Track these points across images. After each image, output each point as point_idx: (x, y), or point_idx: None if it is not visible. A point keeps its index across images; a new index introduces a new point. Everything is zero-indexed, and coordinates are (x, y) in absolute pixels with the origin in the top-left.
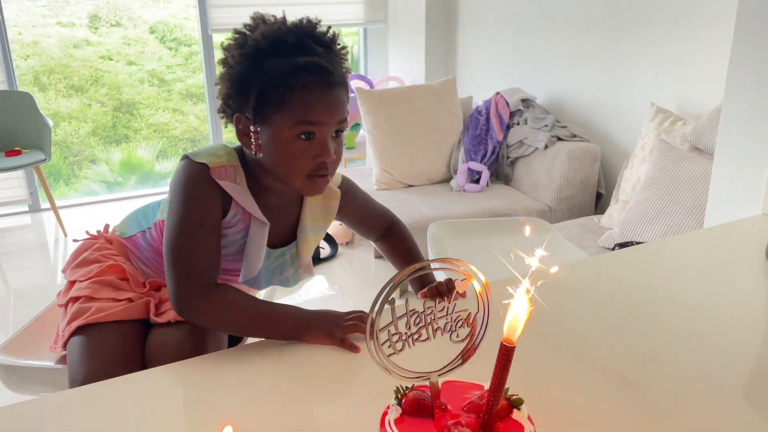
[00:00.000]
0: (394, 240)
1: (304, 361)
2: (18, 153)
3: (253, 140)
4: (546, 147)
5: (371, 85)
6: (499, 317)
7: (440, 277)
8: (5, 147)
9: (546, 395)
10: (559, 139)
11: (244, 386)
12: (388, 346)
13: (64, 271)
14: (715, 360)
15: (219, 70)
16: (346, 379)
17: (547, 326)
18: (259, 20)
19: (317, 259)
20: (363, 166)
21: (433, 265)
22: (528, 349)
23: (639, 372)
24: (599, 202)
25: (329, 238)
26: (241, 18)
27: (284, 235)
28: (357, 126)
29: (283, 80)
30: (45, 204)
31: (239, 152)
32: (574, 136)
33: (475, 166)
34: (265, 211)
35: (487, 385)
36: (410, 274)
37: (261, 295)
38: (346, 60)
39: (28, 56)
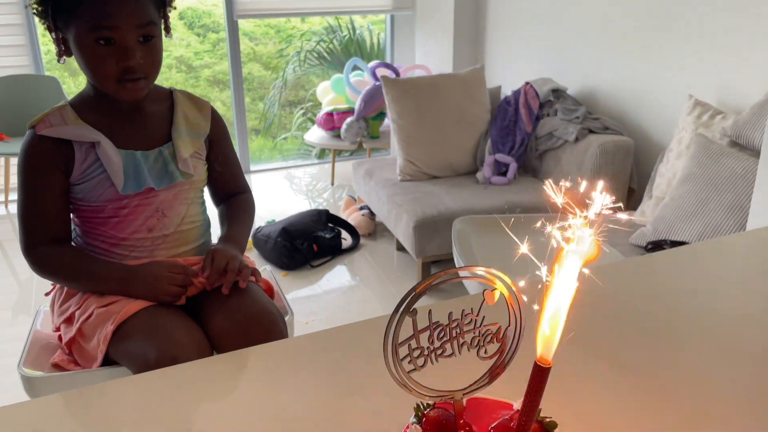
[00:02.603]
0: (240, 202)
1: (318, 372)
2: None
3: (56, 48)
4: (576, 139)
5: (397, 74)
6: (533, 330)
7: (472, 285)
8: None
9: (579, 413)
10: (591, 131)
11: (238, 396)
12: (409, 362)
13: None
14: (759, 373)
15: None
16: (362, 394)
17: (581, 335)
18: None
19: (339, 250)
20: (387, 156)
21: (462, 274)
22: (561, 360)
23: (680, 385)
24: (631, 198)
25: (351, 229)
26: (265, 4)
27: (160, 137)
28: (382, 115)
29: None
30: None
31: (81, 93)
32: (607, 128)
33: (503, 158)
34: (124, 125)
35: (516, 404)
36: (432, 283)
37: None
38: None
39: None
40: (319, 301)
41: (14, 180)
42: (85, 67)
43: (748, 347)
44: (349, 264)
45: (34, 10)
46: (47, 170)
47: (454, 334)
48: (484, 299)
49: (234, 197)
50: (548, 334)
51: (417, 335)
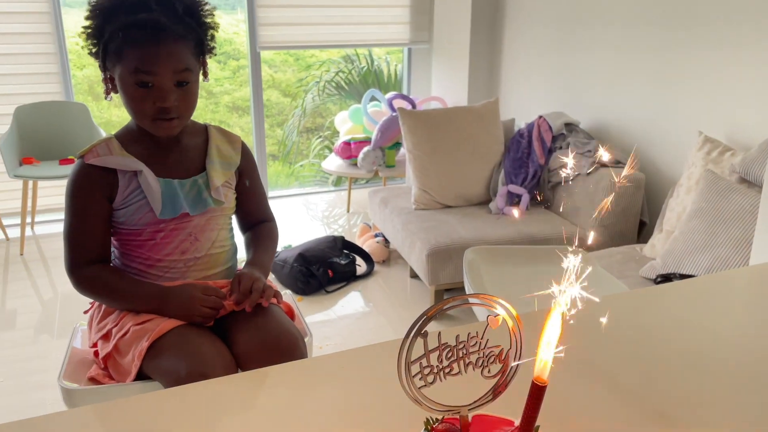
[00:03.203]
0: (265, 229)
1: (335, 389)
2: (71, 161)
3: (104, 86)
4: (589, 173)
5: (413, 105)
6: (533, 352)
7: (481, 309)
8: (59, 155)
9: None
10: (602, 165)
11: (258, 411)
12: (420, 379)
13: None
14: (759, 403)
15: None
16: (376, 410)
17: (582, 360)
18: None
19: (354, 276)
20: (402, 184)
21: (463, 301)
22: (562, 382)
23: (679, 411)
24: (642, 231)
25: (366, 256)
26: (288, 36)
27: (195, 168)
28: (398, 145)
29: (119, 35)
30: None
31: (126, 127)
32: (618, 162)
33: (516, 189)
34: (163, 157)
35: (517, 421)
36: (443, 307)
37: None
38: (201, 14)
39: (84, 66)
40: (334, 326)
41: (42, 202)
42: (126, 104)
43: (747, 375)
44: (363, 290)
45: (88, 51)
46: (93, 196)
47: (460, 355)
48: (488, 324)
49: (259, 225)
50: (543, 357)
51: (428, 355)
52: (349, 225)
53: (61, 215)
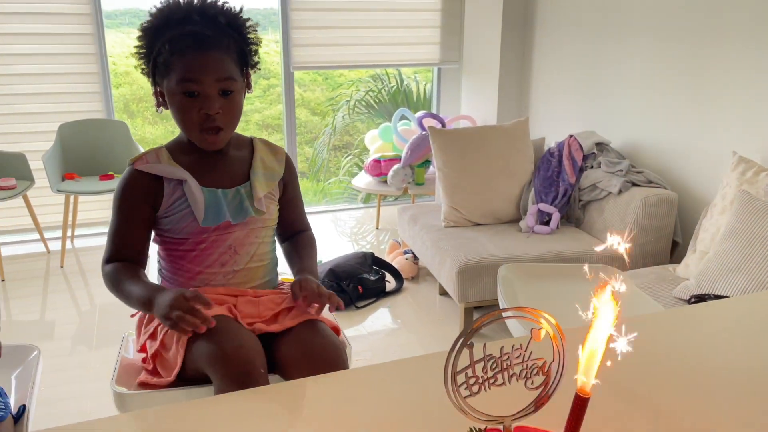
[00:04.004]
0: (303, 238)
1: (378, 399)
2: (110, 177)
3: (155, 100)
4: (620, 192)
5: (443, 124)
6: (575, 367)
7: (516, 326)
8: (99, 171)
9: None
10: (634, 184)
11: (316, 416)
12: (465, 389)
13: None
14: None
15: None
16: (417, 420)
17: (623, 380)
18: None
19: (383, 292)
20: (432, 202)
21: (508, 314)
22: (603, 402)
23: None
24: (675, 251)
25: (395, 272)
26: (320, 57)
27: (239, 178)
28: (427, 163)
29: (166, 48)
30: None
31: (176, 139)
32: (650, 182)
33: (546, 207)
34: (209, 167)
35: None
36: (489, 320)
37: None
38: (243, 29)
39: (120, 85)
40: (364, 341)
41: (81, 216)
42: (175, 115)
43: None
44: (392, 307)
45: (141, 70)
46: (138, 201)
47: (504, 366)
48: (532, 337)
49: (298, 234)
50: (587, 369)
51: (473, 365)
52: (377, 242)
53: (100, 229)
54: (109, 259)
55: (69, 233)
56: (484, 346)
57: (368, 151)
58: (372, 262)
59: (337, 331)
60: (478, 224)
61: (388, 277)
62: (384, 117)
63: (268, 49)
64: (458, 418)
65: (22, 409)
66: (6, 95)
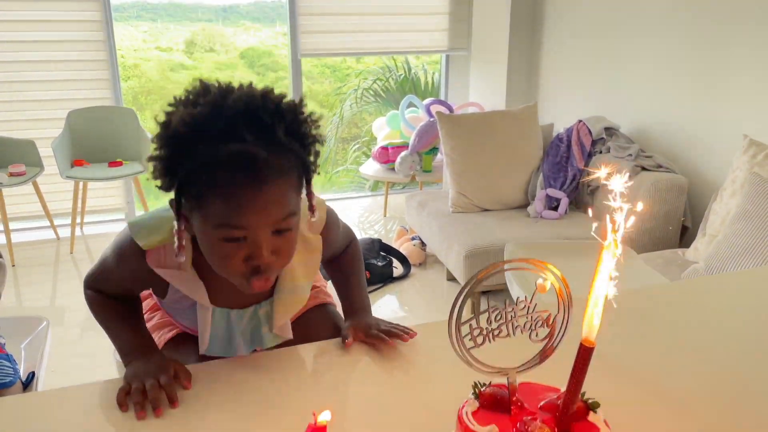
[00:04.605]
0: (346, 258)
1: (388, 357)
2: (119, 164)
3: (176, 240)
4: (629, 177)
5: (451, 111)
6: (579, 321)
7: (522, 277)
8: (108, 158)
9: (624, 404)
10: (644, 169)
11: (333, 376)
12: (470, 339)
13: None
14: None
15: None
16: (425, 380)
17: (630, 341)
18: (196, 94)
19: (391, 278)
20: (439, 189)
21: (513, 265)
22: (610, 360)
23: (718, 393)
24: (684, 236)
25: (402, 258)
26: (327, 44)
27: (258, 294)
28: (435, 150)
29: (200, 175)
30: (140, 213)
31: None
32: (660, 166)
33: (554, 193)
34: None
35: (564, 389)
36: (493, 271)
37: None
38: (305, 136)
39: (129, 78)
40: None
41: (90, 204)
42: (209, 258)
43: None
44: (399, 292)
45: (157, 186)
46: (135, 283)
47: (509, 318)
48: (537, 288)
49: (344, 251)
50: (592, 318)
51: (477, 316)
52: (385, 230)
53: (109, 216)
54: (90, 284)
55: (78, 220)
56: (488, 298)
57: (375, 140)
58: (379, 247)
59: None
60: (486, 210)
61: (396, 262)
62: (392, 106)
63: (276, 42)
64: (463, 375)
65: (31, 376)
66: (15, 82)
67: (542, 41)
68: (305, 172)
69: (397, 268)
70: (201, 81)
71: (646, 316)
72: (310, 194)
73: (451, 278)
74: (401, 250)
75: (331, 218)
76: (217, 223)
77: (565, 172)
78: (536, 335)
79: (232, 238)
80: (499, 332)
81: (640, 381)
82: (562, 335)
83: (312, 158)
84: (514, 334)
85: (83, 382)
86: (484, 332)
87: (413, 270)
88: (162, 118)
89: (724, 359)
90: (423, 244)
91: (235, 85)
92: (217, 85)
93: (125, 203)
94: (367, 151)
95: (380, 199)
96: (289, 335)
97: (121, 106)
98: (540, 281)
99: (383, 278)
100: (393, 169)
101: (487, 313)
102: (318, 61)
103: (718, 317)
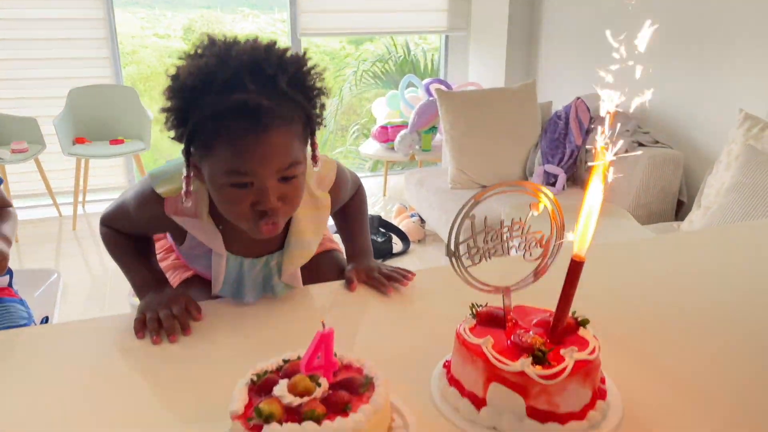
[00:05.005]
0: (351, 203)
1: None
2: (120, 142)
3: (184, 185)
4: (626, 152)
5: (450, 90)
6: (569, 244)
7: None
8: (109, 136)
9: (612, 324)
10: (641, 144)
11: (339, 311)
12: (467, 258)
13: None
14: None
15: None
16: (424, 309)
17: (622, 286)
18: (203, 47)
19: (390, 254)
20: (438, 168)
21: (509, 188)
22: (598, 291)
23: (703, 323)
24: (680, 211)
25: (402, 235)
26: (328, 23)
27: (269, 246)
28: (434, 129)
29: (207, 125)
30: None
31: None
32: (657, 142)
33: (552, 169)
34: (242, 230)
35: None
36: (489, 193)
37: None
38: (310, 83)
39: (127, 64)
40: None
41: (92, 182)
42: (218, 203)
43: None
44: None
45: (170, 136)
46: (155, 228)
47: (504, 238)
48: (531, 209)
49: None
50: (584, 234)
51: (474, 236)
52: (385, 210)
53: (111, 194)
54: (106, 222)
55: (80, 198)
56: (485, 218)
57: (374, 122)
58: (379, 224)
59: None
60: (485, 186)
61: (395, 239)
62: (391, 88)
63: (275, 29)
64: (461, 300)
65: (45, 320)
66: (16, 60)
67: (541, 20)
68: (309, 123)
69: (397, 245)
70: (207, 35)
71: (634, 261)
72: (314, 145)
73: (452, 254)
74: (401, 227)
75: (341, 178)
76: (225, 169)
77: (563, 149)
78: (530, 255)
79: (240, 184)
80: (495, 251)
81: (628, 308)
82: (556, 255)
83: (317, 111)
84: (509, 253)
85: None
86: (481, 251)
87: (412, 246)
88: (163, 96)
89: (703, 290)
90: (422, 221)
91: (241, 39)
92: (222, 38)
93: (126, 181)
94: (366, 132)
95: (380, 179)
96: (299, 285)
97: (122, 84)
98: (533, 202)
99: (382, 254)
100: (393, 148)
101: (483, 233)
102: (316, 48)
103: (701, 259)
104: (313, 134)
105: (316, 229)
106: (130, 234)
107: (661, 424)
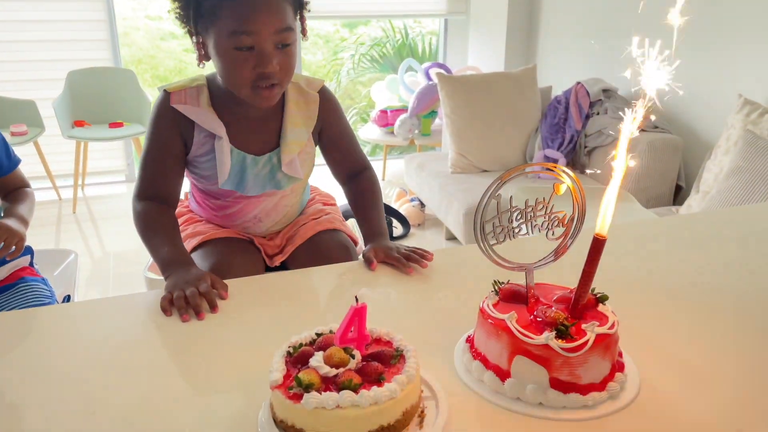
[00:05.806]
0: (364, 184)
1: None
2: (120, 125)
3: (196, 52)
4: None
5: (450, 73)
6: (593, 221)
7: (518, 182)
8: (109, 119)
9: (631, 301)
10: (640, 129)
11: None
12: (492, 237)
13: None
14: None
15: None
16: (450, 278)
17: (633, 265)
18: None
19: (390, 237)
20: (438, 153)
21: (533, 168)
22: (613, 261)
23: (707, 295)
24: (678, 195)
25: (402, 218)
26: (327, 6)
27: (269, 143)
28: (433, 113)
29: None
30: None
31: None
32: (656, 127)
33: (552, 153)
34: (242, 123)
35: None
36: (515, 174)
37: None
38: None
39: (120, 47)
40: None
41: (91, 165)
42: (222, 71)
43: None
44: None
45: (176, 14)
46: (171, 135)
47: (528, 217)
48: (554, 190)
49: (357, 180)
50: (606, 214)
51: (500, 215)
52: (384, 194)
53: (110, 178)
54: (140, 194)
55: (80, 182)
56: (511, 198)
57: (372, 106)
58: None
59: (355, 242)
60: (485, 171)
61: (395, 222)
62: (389, 72)
63: None
64: (483, 277)
65: (67, 299)
66: (14, 42)
67: (542, 4)
68: (299, 4)
69: (397, 228)
70: None
71: (646, 241)
72: (302, 19)
73: (450, 237)
74: (401, 210)
75: (328, 90)
76: (229, 31)
77: (563, 134)
78: (552, 234)
79: (243, 47)
80: (519, 230)
81: (641, 285)
82: (577, 234)
83: None
84: (532, 232)
85: None
86: (506, 230)
87: (412, 230)
88: (156, 85)
89: (714, 271)
90: (422, 205)
91: None
92: None
93: (125, 165)
94: (364, 116)
95: (379, 163)
96: (300, 175)
97: (121, 66)
98: (557, 183)
99: None
100: (392, 132)
101: (508, 212)
102: (310, 31)
103: (709, 237)
104: (302, 8)
105: (306, 120)
106: (159, 190)
107: (675, 393)
